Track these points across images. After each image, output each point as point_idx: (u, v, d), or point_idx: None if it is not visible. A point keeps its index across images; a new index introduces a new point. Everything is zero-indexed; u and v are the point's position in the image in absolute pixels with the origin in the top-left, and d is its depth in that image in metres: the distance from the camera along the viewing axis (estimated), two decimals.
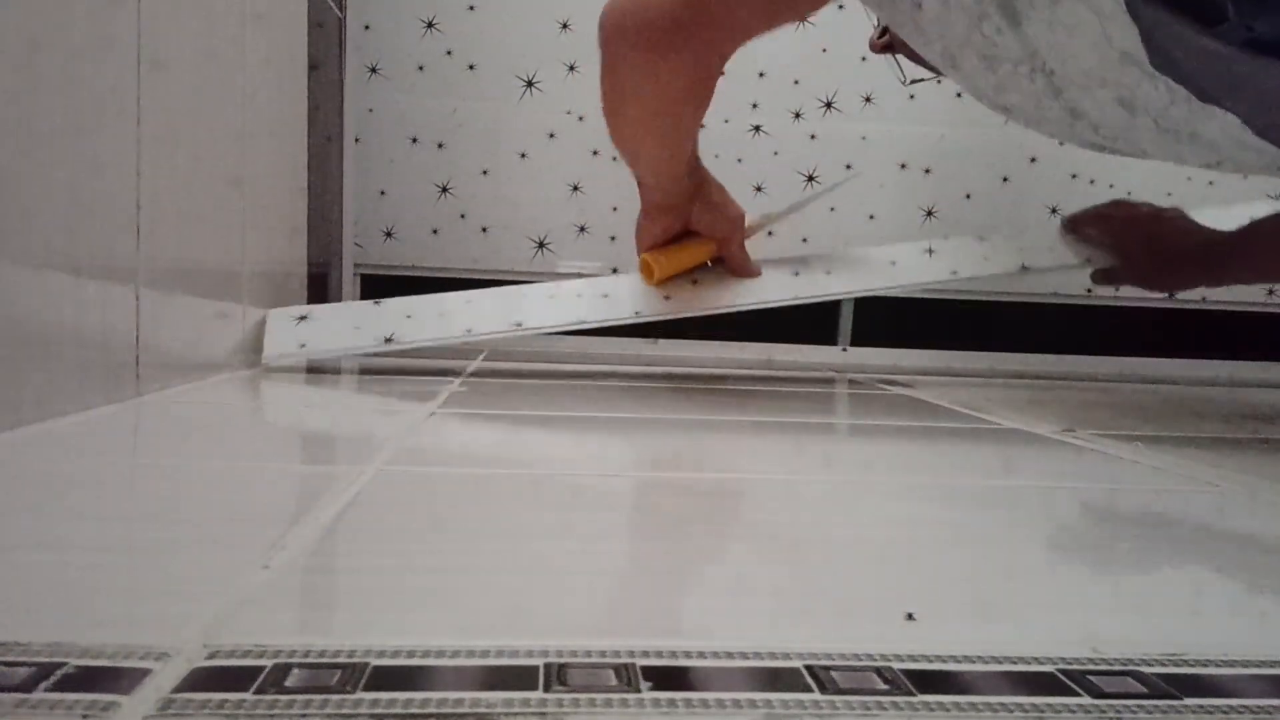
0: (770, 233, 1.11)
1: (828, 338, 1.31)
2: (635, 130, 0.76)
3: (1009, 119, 0.72)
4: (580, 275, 1.16)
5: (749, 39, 0.70)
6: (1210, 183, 1.26)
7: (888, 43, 0.95)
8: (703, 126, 0.79)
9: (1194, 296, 1.30)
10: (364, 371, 0.92)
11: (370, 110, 1.20)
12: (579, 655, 0.24)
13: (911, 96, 1.03)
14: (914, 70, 0.87)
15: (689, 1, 0.66)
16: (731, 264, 0.94)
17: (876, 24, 0.97)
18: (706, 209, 0.88)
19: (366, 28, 1.19)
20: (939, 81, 0.96)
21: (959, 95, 1.26)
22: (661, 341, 1.26)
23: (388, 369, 0.94)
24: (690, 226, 0.89)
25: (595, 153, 1.25)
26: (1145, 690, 0.23)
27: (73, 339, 0.54)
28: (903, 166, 1.28)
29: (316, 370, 0.90)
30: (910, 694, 0.22)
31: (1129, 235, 0.99)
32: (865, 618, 0.28)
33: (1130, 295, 1.30)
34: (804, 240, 1.29)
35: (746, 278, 0.94)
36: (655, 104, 0.72)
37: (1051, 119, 0.67)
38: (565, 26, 1.22)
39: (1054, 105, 0.64)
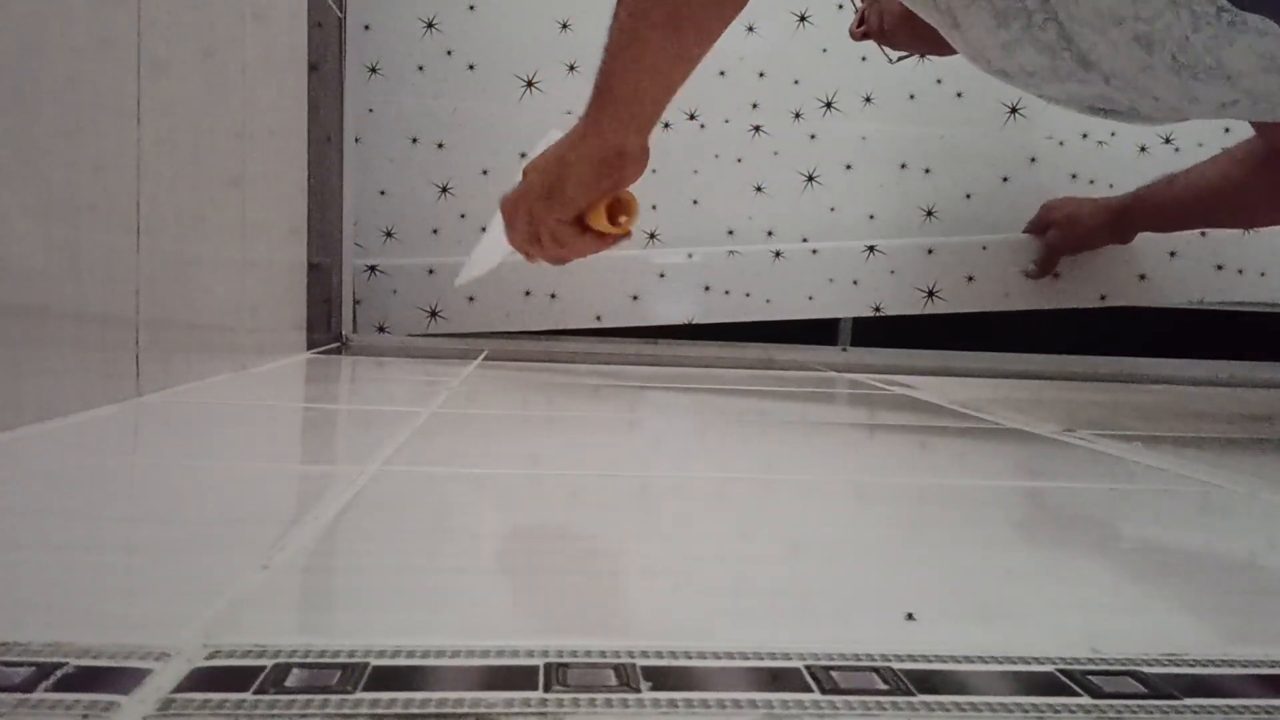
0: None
1: (828, 337, 1.31)
2: (677, 55, 0.68)
3: (1009, 83, 0.72)
4: None
5: None
6: None
7: (866, 31, 0.99)
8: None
9: (1194, 296, 1.30)
10: (362, 372, 0.92)
11: (370, 110, 1.20)
12: (579, 655, 0.24)
13: (891, 62, 1.09)
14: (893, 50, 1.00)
15: None
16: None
17: (855, 9, 1.00)
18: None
19: (366, 28, 1.19)
20: (921, 57, 1.07)
21: (959, 95, 1.27)
22: (661, 342, 1.26)
23: (386, 369, 0.94)
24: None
25: None
26: (1145, 690, 0.23)
27: (73, 339, 0.54)
28: (903, 166, 1.28)
29: (316, 370, 0.90)
30: (910, 694, 0.22)
31: (1058, 220, 1.22)
32: (865, 618, 0.28)
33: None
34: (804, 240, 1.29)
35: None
36: (707, 31, 0.67)
37: (1060, 74, 0.67)
38: (565, 26, 1.22)
39: (1064, 57, 0.64)
